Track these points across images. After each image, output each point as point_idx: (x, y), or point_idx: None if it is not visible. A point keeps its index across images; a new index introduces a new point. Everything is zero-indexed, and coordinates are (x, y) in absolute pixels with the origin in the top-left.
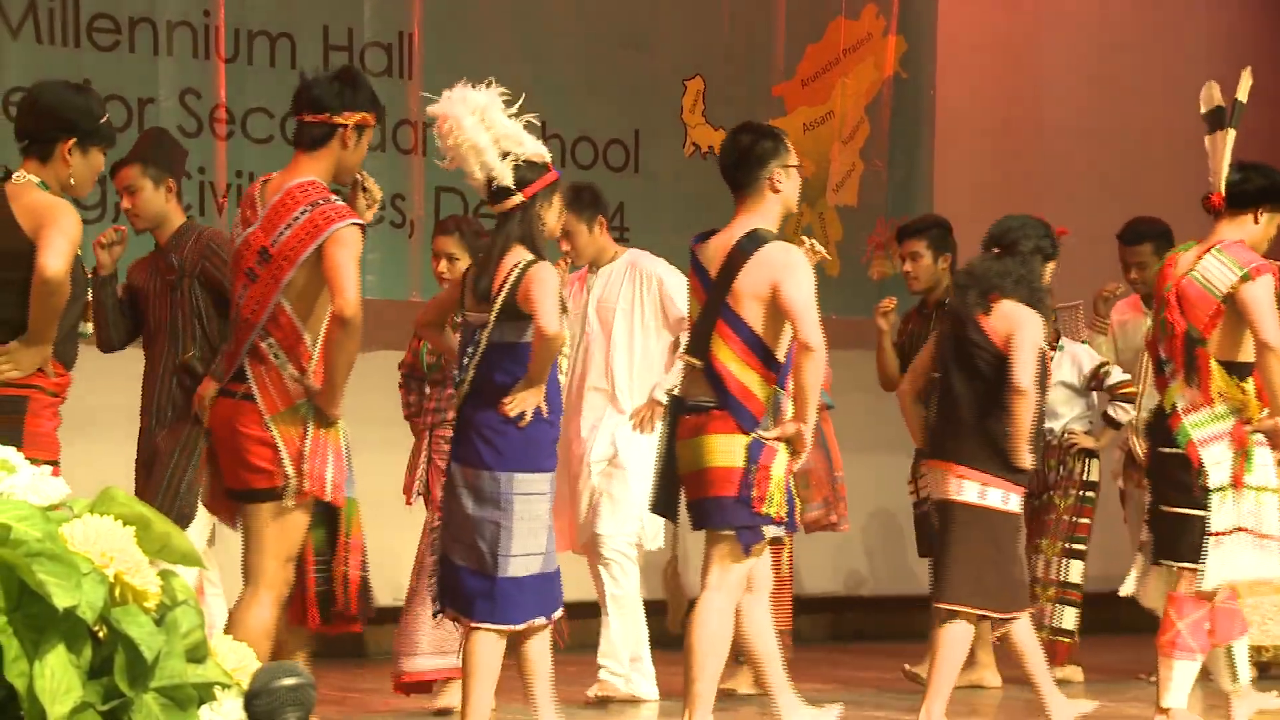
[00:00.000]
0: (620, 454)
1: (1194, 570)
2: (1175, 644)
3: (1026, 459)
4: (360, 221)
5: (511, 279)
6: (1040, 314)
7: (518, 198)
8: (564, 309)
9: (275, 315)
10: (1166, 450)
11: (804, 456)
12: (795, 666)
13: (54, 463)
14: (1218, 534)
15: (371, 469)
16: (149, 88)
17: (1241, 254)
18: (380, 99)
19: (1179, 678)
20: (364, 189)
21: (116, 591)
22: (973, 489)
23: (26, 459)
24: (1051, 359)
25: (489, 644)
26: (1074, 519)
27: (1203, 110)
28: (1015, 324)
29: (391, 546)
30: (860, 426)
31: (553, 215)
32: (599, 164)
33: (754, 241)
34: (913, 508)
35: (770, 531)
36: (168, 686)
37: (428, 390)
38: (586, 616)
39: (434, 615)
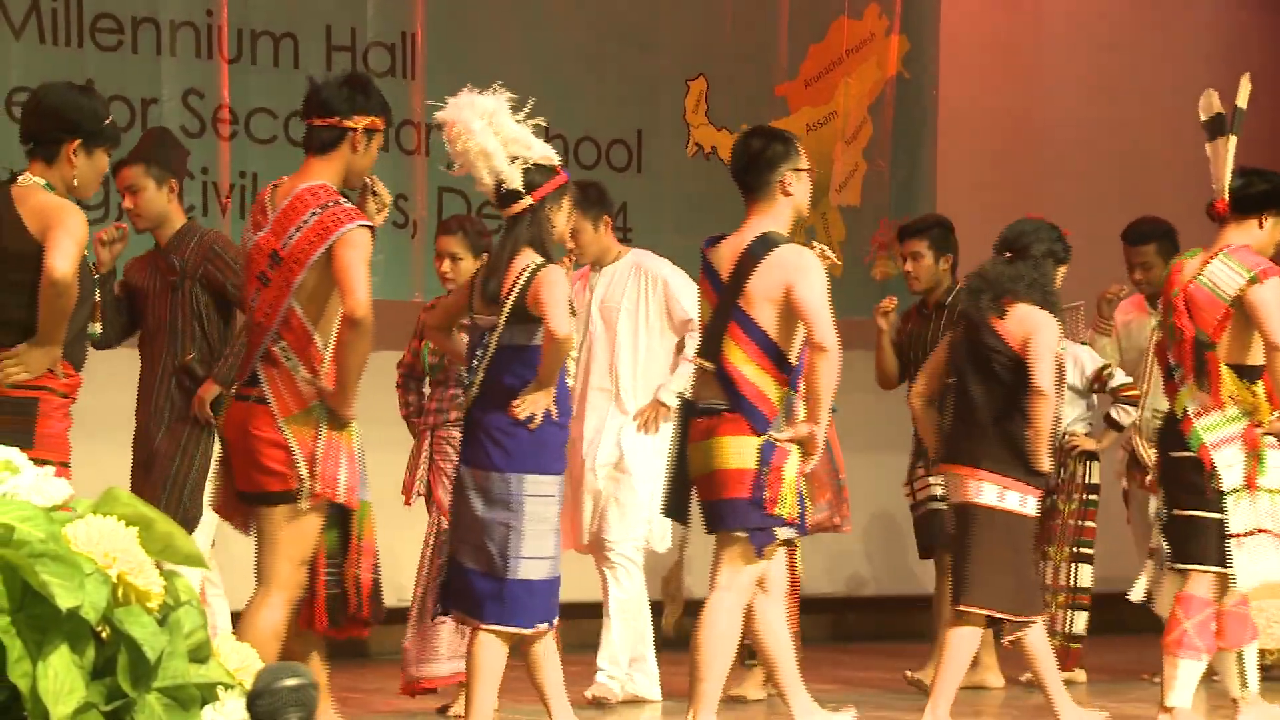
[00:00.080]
0: (625, 458)
1: (1204, 572)
2: (1181, 643)
3: (1046, 462)
4: (369, 223)
5: (521, 282)
6: (1054, 316)
7: (526, 201)
8: (573, 311)
9: (287, 318)
10: (1177, 455)
11: (816, 458)
12: (798, 667)
13: (65, 464)
14: (1238, 536)
15: (372, 469)
16: (152, 88)
17: (1248, 258)
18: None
19: (1183, 677)
20: (374, 193)
21: (119, 592)
22: (991, 491)
23: (37, 461)
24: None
25: (494, 646)
26: (1080, 523)
27: (1202, 118)
28: (1032, 327)
29: (391, 547)
30: (860, 426)
31: (562, 218)
32: (602, 164)
33: (766, 244)
34: (910, 510)
35: (782, 533)
36: (170, 687)
37: (428, 391)
38: (587, 616)
39: (432, 618)
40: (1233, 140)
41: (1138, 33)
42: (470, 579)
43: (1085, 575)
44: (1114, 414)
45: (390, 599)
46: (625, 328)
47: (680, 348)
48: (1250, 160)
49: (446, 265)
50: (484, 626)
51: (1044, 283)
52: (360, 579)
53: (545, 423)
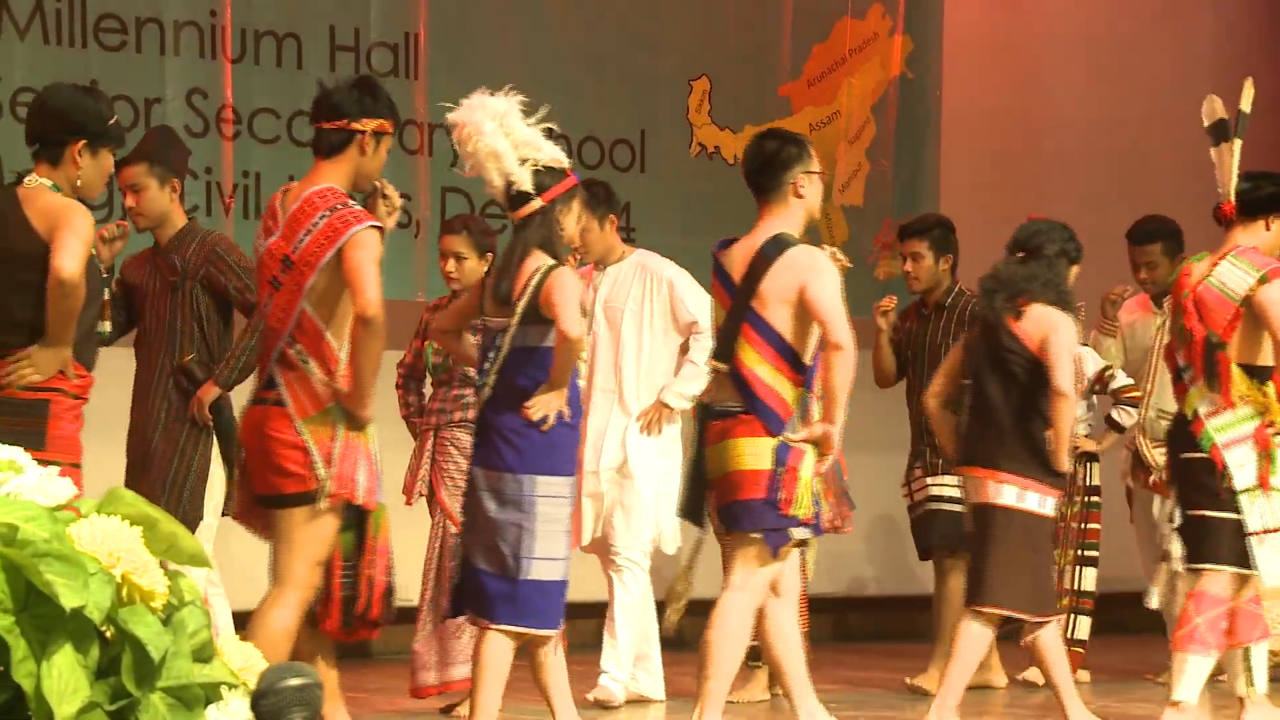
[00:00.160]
0: (629, 461)
1: (1217, 570)
2: (1191, 638)
3: (1066, 463)
4: (378, 224)
5: (533, 284)
6: (1070, 316)
7: (537, 203)
8: (584, 312)
9: (300, 321)
10: (1189, 456)
11: (831, 458)
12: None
13: (76, 465)
14: (1258, 533)
15: None
16: (155, 88)
17: (1257, 258)
18: None
19: (1192, 671)
20: (384, 196)
21: (124, 592)
22: (1011, 492)
23: (49, 462)
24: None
25: (503, 646)
26: (1083, 525)
27: (1205, 124)
28: (1049, 327)
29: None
30: (860, 427)
31: (571, 220)
32: (605, 164)
33: (778, 246)
34: (908, 511)
35: (798, 533)
36: (174, 686)
37: (429, 391)
38: (589, 616)
39: (444, 619)
40: (1237, 144)
41: (1140, 33)
42: (482, 579)
43: (1089, 579)
44: (1115, 415)
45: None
46: (629, 329)
47: (684, 349)
48: (1254, 163)
49: (451, 265)
50: (495, 626)
51: (1058, 282)
52: (374, 580)
53: (557, 424)
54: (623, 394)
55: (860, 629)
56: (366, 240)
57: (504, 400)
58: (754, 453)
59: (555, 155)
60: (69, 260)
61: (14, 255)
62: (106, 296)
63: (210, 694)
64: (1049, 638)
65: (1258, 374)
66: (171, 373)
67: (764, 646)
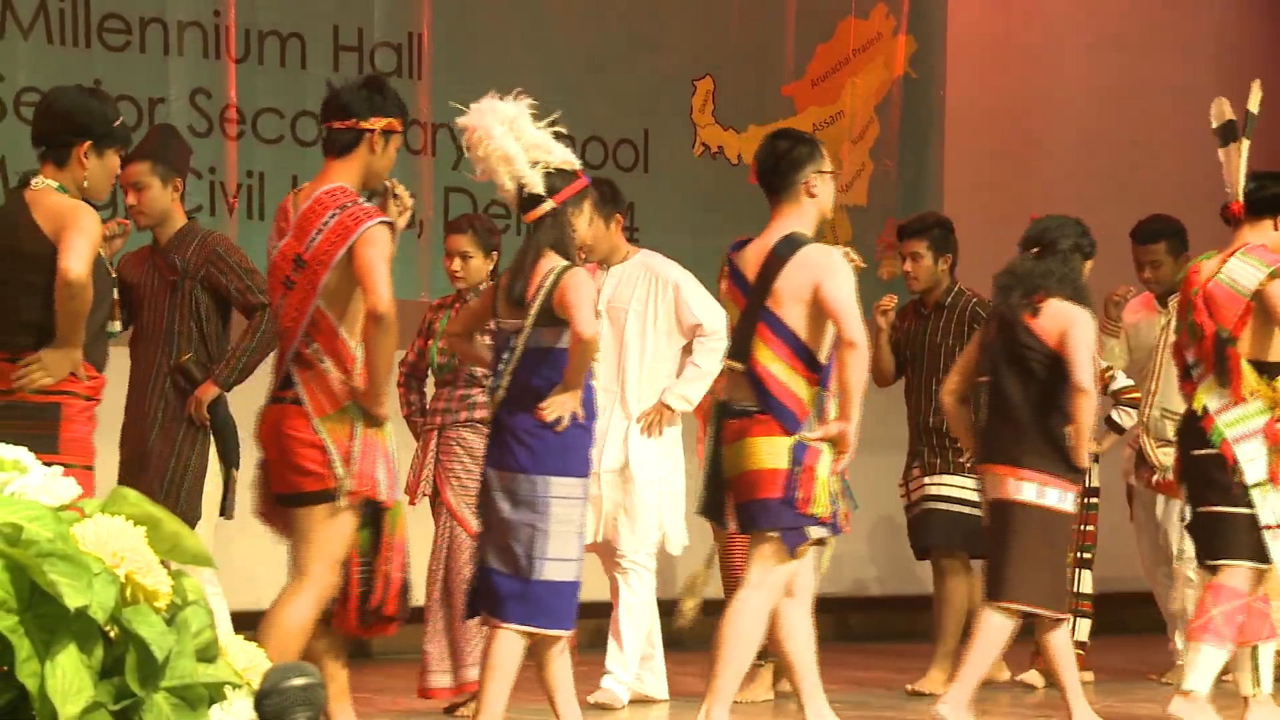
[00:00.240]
0: (631, 463)
1: (1234, 566)
2: (1207, 629)
3: (1086, 459)
4: (389, 220)
5: (547, 285)
6: (1087, 311)
7: (548, 205)
8: (597, 313)
9: (315, 320)
10: (1199, 453)
11: (848, 456)
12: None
13: (89, 467)
14: (1272, 527)
15: None
16: (159, 88)
17: (1266, 255)
18: None
19: (1204, 662)
20: (395, 195)
21: (127, 591)
22: (1031, 489)
23: (61, 465)
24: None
25: (513, 645)
26: (1082, 527)
27: (1213, 125)
28: (1067, 323)
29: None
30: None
31: (583, 221)
32: (608, 164)
33: (791, 245)
34: (905, 511)
35: (815, 532)
36: (178, 686)
37: (431, 390)
38: (589, 616)
39: (462, 620)
40: (1245, 144)
41: (1143, 33)
42: (495, 579)
43: (1087, 581)
44: (1115, 416)
45: None
46: (633, 329)
47: (688, 351)
48: (1261, 163)
49: (456, 264)
50: (507, 626)
51: (1073, 277)
52: (390, 576)
53: (571, 425)
54: (624, 395)
55: (862, 629)
56: (377, 237)
57: (518, 401)
58: (771, 452)
59: (566, 157)
60: (75, 261)
61: (22, 257)
62: (115, 296)
63: (214, 694)
64: (1060, 638)
65: (1268, 369)
66: (169, 372)
67: (776, 646)
